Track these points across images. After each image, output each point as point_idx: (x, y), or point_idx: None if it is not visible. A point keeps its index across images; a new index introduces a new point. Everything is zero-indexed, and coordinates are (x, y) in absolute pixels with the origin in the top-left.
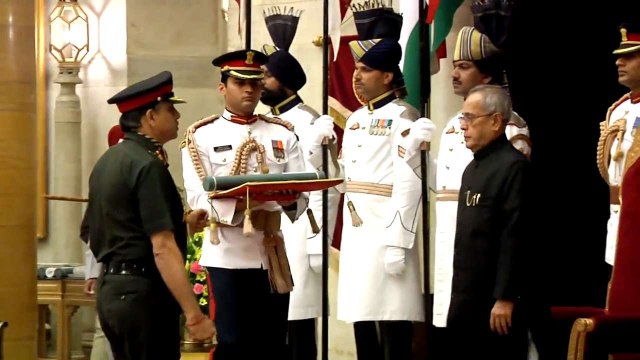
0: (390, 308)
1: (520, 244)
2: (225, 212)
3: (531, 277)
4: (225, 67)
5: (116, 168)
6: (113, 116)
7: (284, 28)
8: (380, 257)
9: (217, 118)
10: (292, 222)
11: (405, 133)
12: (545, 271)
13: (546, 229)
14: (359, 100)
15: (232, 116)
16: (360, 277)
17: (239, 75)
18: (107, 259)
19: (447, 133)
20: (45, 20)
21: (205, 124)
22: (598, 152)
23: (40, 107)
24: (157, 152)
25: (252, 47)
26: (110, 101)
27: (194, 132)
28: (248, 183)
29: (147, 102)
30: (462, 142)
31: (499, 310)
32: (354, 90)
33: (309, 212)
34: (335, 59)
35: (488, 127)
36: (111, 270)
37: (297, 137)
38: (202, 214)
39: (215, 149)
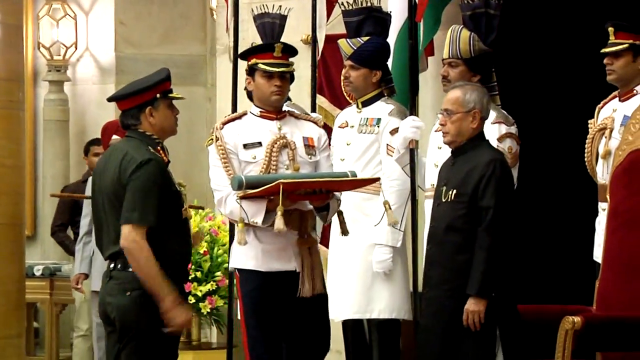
0: (379, 306)
1: (495, 242)
2: (255, 212)
3: (504, 275)
4: (253, 60)
5: (116, 165)
6: (101, 114)
7: (272, 26)
8: (368, 255)
9: (245, 114)
10: (324, 223)
11: (394, 131)
12: (516, 269)
13: (534, 227)
14: (348, 98)
15: (260, 111)
16: (348, 276)
17: (267, 68)
18: (114, 256)
19: (435, 131)
20: (33, 18)
21: (233, 120)
22: (586, 150)
23: (29, 105)
24: (158, 148)
25: (240, 46)
26: (110, 99)
27: (221, 129)
28: (282, 180)
29: (146, 99)
30: None
31: (473, 307)
32: (343, 89)
33: (340, 213)
34: (319, 57)
35: (466, 123)
36: (118, 267)
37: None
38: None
39: (245, 146)
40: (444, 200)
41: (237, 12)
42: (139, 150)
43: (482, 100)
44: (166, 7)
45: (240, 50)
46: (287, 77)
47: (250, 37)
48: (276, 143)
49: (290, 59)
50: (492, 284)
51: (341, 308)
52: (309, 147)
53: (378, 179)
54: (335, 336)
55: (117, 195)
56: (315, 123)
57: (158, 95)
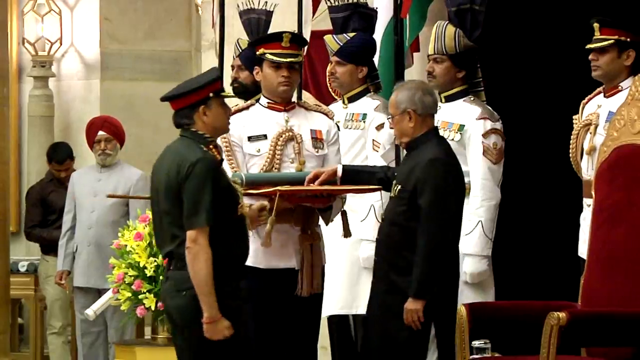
0: (365, 302)
1: (431, 241)
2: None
3: (442, 274)
4: (261, 50)
5: (170, 166)
6: (86, 110)
7: (258, 22)
8: (354, 250)
9: (253, 104)
10: (327, 224)
11: (380, 127)
12: (455, 269)
13: (519, 224)
14: (333, 94)
15: (268, 103)
16: (334, 271)
17: (275, 58)
18: (169, 255)
19: None
20: (18, 14)
21: (240, 110)
22: (571, 146)
23: (13, 100)
24: (211, 147)
25: (226, 42)
26: (163, 99)
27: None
28: (279, 188)
29: (199, 98)
30: None
31: (411, 306)
32: (328, 85)
33: (344, 213)
34: (305, 53)
35: (405, 124)
36: (172, 267)
37: (338, 126)
38: (263, 208)
39: (249, 138)
40: (391, 195)
41: (223, 7)
42: (190, 149)
43: (412, 98)
44: (151, 3)
45: (225, 47)
46: (297, 68)
47: (236, 33)
48: (282, 136)
49: (302, 49)
50: (429, 285)
51: (327, 303)
52: (317, 140)
53: (380, 189)
54: (320, 332)
55: (170, 195)
56: (326, 114)
57: (211, 94)
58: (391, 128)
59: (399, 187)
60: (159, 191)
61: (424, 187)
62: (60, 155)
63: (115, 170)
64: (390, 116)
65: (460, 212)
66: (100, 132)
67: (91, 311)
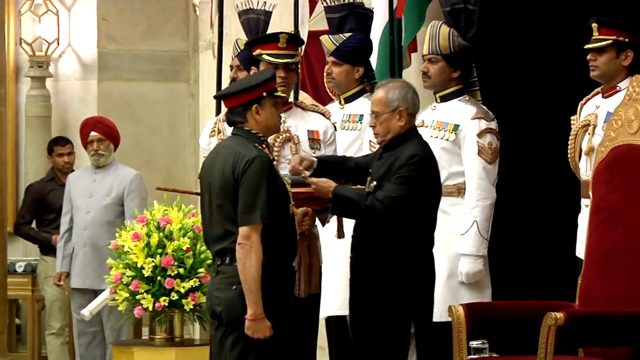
0: None
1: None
2: None
3: (414, 271)
4: (258, 51)
5: (226, 162)
6: (84, 110)
7: (257, 22)
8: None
9: None
10: (323, 225)
11: None
12: (429, 267)
13: (516, 224)
14: (330, 94)
15: None
16: (331, 272)
17: (272, 59)
18: (222, 252)
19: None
20: (15, 14)
21: None
22: (569, 147)
23: (11, 101)
24: (263, 145)
25: (224, 42)
26: (217, 97)
27: (224, 121)
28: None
29: (253, 97)
30: (431, 136)
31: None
32: (325, 85)
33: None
34: (302, 53)
35: (394, 122)
36: (226, 261)
37: (335, 126)
38: (306, 213)
39: None
40: (367, 190)
41: (222, 7)
42: (246, 147)
43: (405, 96)
44: (149, 3)
45: (223, 47)
46: (294, 68)
47: (234, 33)
48: (279, 137)
49: (299, 49)
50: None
51: (324, 304)
52: (314, 140)
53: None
54: (318, 333)
55: (227, 191)
56: (323, 115)
57: (265, 94)
58: (370, 126)
59: (375, 183)
60: (212, 187)
61: (394, 175)
62: (62, 140)
63: (110, 171)
64: (374, 113)
65: (431, 211)
66: (93, 133)
67: (87, 311)
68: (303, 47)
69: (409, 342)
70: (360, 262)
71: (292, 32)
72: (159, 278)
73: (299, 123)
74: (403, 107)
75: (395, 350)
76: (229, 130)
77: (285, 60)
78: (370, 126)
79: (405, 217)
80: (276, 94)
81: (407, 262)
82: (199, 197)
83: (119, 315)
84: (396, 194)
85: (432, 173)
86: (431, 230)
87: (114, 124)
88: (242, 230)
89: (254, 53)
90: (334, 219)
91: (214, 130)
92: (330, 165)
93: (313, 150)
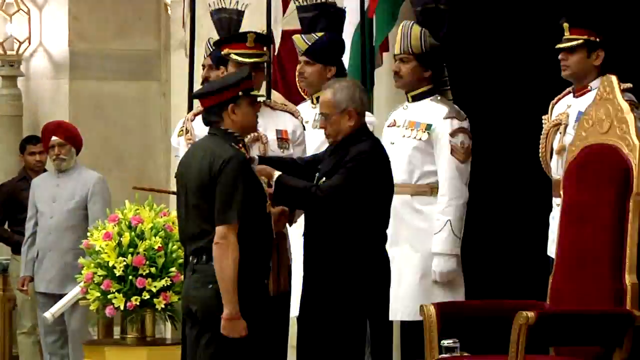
0: None
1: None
2: None
3: (366, 269)
4: (225, 50)
5: (202, 162)
6: (55, 109)
7: (229, 21)
8: None
9: None
10: (290, 225)
11: None
12: (385, 267)
13: (488, 223)
14: (302, 93)
15: None
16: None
17: (239, 58)
18: (198, 251)
19: (388, 126)
20: None
21: None
22: (540, 146)
23: None
24: (240, 145)
25: (196, 41)
26: (193, 96)
27: (192, 121)
28: None
29: (229, 97)
30: (404, 136)
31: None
32: (297, 84)
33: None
34: (276, 53)
35: (344, 123)
36: (202, 260)
37: (304, 126)
38: (282, 212)
39: None
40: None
41: (194, 6)
42: (221, 146)
43: (353, 96)
44: (120, 2)
45: (195, 46)
46: (262, 67)
47: (206, 32)
48: (247, 137)
49: (265, 49)
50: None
51: (295, 304)
52: (282, 140)
53: None
54: (290, 332)
55: (202, 192)
56: (293, 114)
57: (240, 93)
58: (321, 127)
59: (324, 179)
60: (188, 187)
61: (339, 169)
62: (34, 139)
63: (73, 175)
64: (323, 115)
65: (381, 208)
66: (54, 138)
67: (49, 314)
68: (272, 46)
69: (365, 342)
70: (311, 261)
71: (261, 32)
72: (130, 277)
73: (268, 122)
74: (352, 108)
75: (351, 350)
76: (197, 130)
77: (253, 60)
78: (321, 127)
79: (351, 212)
80: (252, 93)
81: (358, 260)
82: (172, 196)
83: (81, 315)
84: (338, 182)
85: (381, 169)
86: (383, 227)
87: (76, 128)
88: (219, 229)
89: (222, 52)
90: (301, 219)
91: (182, 130)
92: (282, 165)
93: (282, 150)
